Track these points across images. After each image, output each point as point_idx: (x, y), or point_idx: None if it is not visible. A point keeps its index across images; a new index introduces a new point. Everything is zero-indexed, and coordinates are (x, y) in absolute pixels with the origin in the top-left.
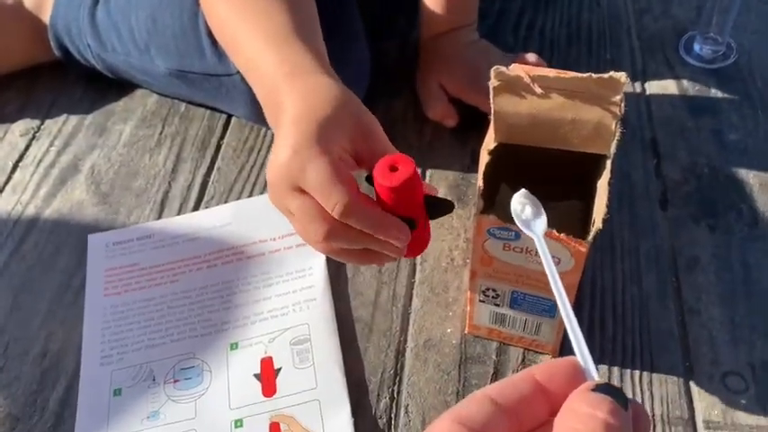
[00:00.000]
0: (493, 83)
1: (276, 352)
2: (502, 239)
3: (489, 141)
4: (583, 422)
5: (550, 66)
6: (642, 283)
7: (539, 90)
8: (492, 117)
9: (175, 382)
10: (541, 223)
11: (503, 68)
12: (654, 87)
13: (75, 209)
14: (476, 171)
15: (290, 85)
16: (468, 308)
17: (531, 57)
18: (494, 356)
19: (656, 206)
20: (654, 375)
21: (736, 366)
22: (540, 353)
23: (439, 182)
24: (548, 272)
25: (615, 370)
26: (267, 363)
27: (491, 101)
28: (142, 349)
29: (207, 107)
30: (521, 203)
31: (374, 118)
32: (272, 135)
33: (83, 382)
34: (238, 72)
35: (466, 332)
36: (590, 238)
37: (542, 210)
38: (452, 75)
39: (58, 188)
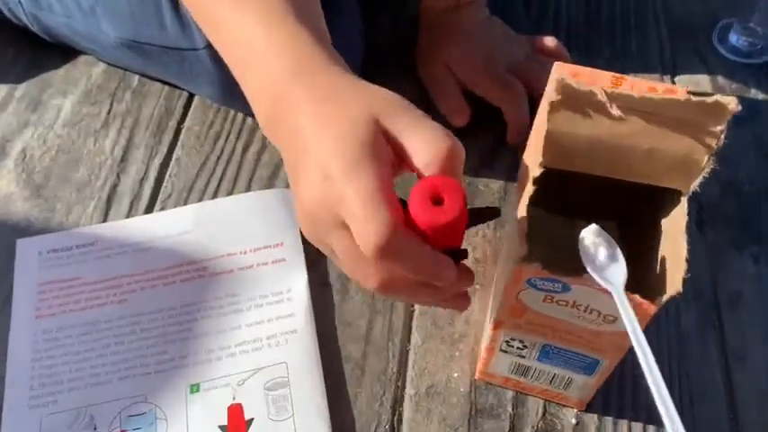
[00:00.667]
0: (552, 96)
1: (247, 398)
2: (544, 291)
3: (533, 165)
4: None
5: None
6: (680, 324)
7: (617, 113)
8: (542, 137)
9: None
10: (619, 270)
11: (569, 80)
12: (685, 83)
13: (0, 203)
14: (484, 175)
15: (301, 88)
16: (484, 355)
17: (551, 41)
18: (510, 408)
19: (693, 227)
20: (696, 430)
21: None
22: (564, 406)
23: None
24: (631, 335)
25: (651, 428)
26: (236, 411)
27: (544, 118)
28: (81, 389)
29: (165, 82)
30: (593, 244)
31: (406, 106)
32: (242, 118)
33: (6, 430)
34: (206, 46)
35: (476, 378)
36: (664, 299)
37: (619, 251)
38: (462, 59)
39: None
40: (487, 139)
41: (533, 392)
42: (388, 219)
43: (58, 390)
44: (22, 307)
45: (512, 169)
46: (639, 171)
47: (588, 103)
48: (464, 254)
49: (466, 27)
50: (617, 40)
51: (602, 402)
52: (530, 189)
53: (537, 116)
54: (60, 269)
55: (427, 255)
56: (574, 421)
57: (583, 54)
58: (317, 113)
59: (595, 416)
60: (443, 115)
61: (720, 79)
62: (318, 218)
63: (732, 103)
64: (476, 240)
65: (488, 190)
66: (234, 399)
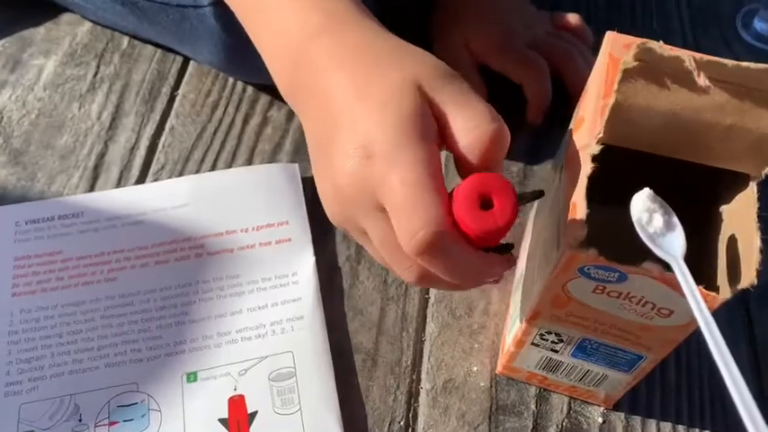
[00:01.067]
0: (627, 62)
1: (250, 389)
2: (597, 280)
3: (590, 141)
4: None
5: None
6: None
7: (704, 83)
8: (606, 109)
9: (112, 424)
10: (677, 240)
11: (652, 43)
12: None
13: None
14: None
15: (327, 44)
16: (511, 349)
17: (574, 17)
18: (533, 406)
19: None
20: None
21: None
22: (590, 403)
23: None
24: (697, 313)
25: (681, 428)
26: (237, 403)
27: (615, 87)
28: (64, 375)
29: (158, 45)
30: (648, 210)
31: (452, 75)
32: (243, 87)
33: None
34: (211, 3)
35: (497, 372)
36: (730, 294)
37: (676, 219)
38: (480, 32)
39: None
40: (506, 117)
41: (558, 389)
42: (433, 216)
43: (38, 376)
44: None
45: (531, 151)
46: (713, 152)
47: (670, 71)
48: (510, 247)
49: (485, 1)
50: (638, 22)
51: (630, 401)
52: (587, 168)
53: (589, 84)
54: (40, 242)
55: (473, 258)
56: (600, 420)
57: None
58: (349, 79)
59: (622, 414)
60: None
61: None
62: (354, 199)
63: None
64: None
65: (507, 173)
66: (235, 390)
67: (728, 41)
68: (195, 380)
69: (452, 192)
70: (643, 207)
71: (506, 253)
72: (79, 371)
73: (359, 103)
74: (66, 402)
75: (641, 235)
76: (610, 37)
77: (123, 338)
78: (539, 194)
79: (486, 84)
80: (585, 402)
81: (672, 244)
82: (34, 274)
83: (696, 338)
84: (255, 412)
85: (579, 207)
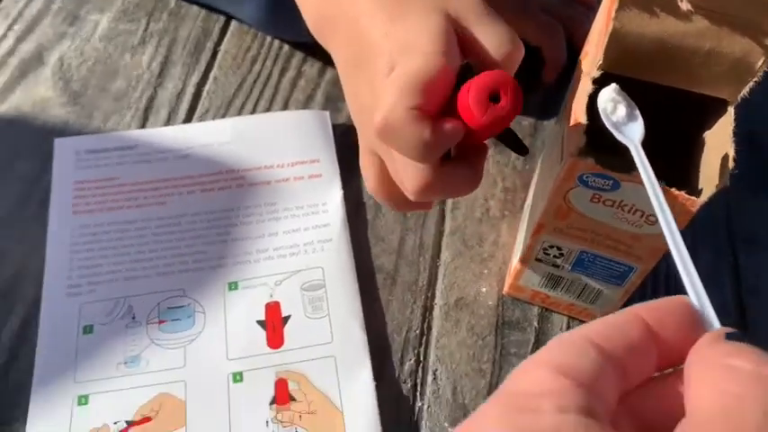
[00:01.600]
0: None
1: (284, 297)
2: (594, 189)
3: (591, 68)
4: (748, 384)
5: None
6: (697, 257)
7: (686, 7)
8: (605, 36)
9: (161, 323)
10: (637, 128)
11: None
12: None
13: (38, 107)
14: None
15: None
16: (517, 266)
17: None
18: (535, 323)
19: None
20: None
21: None
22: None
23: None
24: (650, 191)
25: None
26: (273, 308)
27: (611, 16)
28: (119, 281)
29: (203, 5)
30: (612, 101)
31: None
32: (279, 45)
33: (45, 316)
34: None
35: (504, 293)
36: (707, 196)
37: (637, 111)
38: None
39: (18, 81)
40: (519, 77)
41: (559, 308)
42: (389, 104)
43: (96, 281)
44: (59, 203)
45: (542, 108)
46: (696, 77)
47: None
48: (512, 134)
49: None
50: None
51: None
52: (589, 88)
53: (595, 22)
54: (98, 169)
55: (426, 142)
56: None
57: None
58: (379, 4)
59: None
60: None
61: None
62: (362, 118)
63: None
64: (506, 171)
65: (519, 126)
66: (271, 297)
67: None
68: (236, 288)
69: (467, 83)
70: (608, 98)
71: (514, 143)
72: (132, 278)
73: (389, 26)
74: (121, 303)
75: (605, 122)
76: None
77: (172, 252)
78: (524, 151)
79: None
80: (583, 321)
81: (633, 131)
82: (92, 196)
83: None
84: (289, 316)
85: (580, 119)
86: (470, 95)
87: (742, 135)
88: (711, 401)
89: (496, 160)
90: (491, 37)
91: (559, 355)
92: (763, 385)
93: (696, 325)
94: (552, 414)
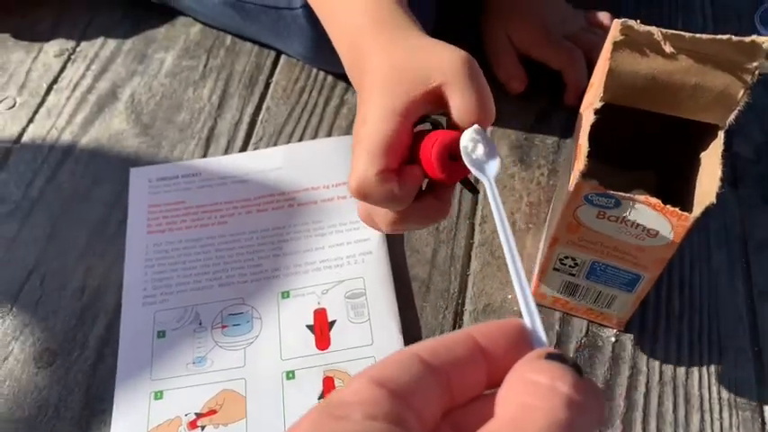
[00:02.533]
0: (615, 37)
1: (330, 304)
2: (598, 206)
3: (594, 99)
4: (541, 397)
5: None
6: (711, 263)
7: (669, 49)
8: (604, 74)
9: (223, 327)
10: (494, 165)
11: (631, 22)
12: None
13: (114, 139)
14: (540, 131)
15: (373, 38)
16: (537, 274)
17: (605, 15)
18: (557, 326)
19: (727, 183)
20: (723, 357)
21: None
22: (605, 326)
23: (500, 141)
24: (497, 221)
25: (681, 349)
26: (321, 314)
27: (607, 56)
28: (187, 291)
29: (255, 42)
30: (472, 141)
31: (470, 66)
32: (324, 76)
33: (125, 322)
34: (302, 6)
35: None
36: (698, 212)
37: (496, 151)
38: (521, 27)
39: (96, 115)
40: (543, 100)
41: (578, 313)
42: (361, 171)
43: (167, 291)
44: (135, 224)
45: (565, 128)
46: (686, 105)
47: (646, 41)
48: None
49: (527, 0)
50: (665, 18)
51: (639, 325)
52: (591, 118)
53: (599, 59)
54: (167, 194)
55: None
56: (613, 339)
57: None
58: (382, 63)
59: (632, 335)
60: (502, 82)
61: None
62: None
63: (766, 42)
64: (531, 186)
65: (543, 144)
66: (319, 304)
67: (746, 35)
68: (288, 296)
69: (432, 136)
70: (469, 138)
71: (467, 185)
72: (198, 288)
73: (381, 83)
74: (189, 311)
75: (465, 159)
76: (616, 23)
77: (232, 266)
78: (474, 191)
79: (526, 71)
80: (601, 325)
81: (490, 168)
82: (164, 218)
83: (699, 273)
84: (334, 321)
85: (583, 147)
86: (432, 152)
87: (756, 145)
88: (507, 412)
89: (522, 177)
90: (465, 102)
91: (382, 367)
92: (555, 399)
93: (526, 345)
94: (359, 421)
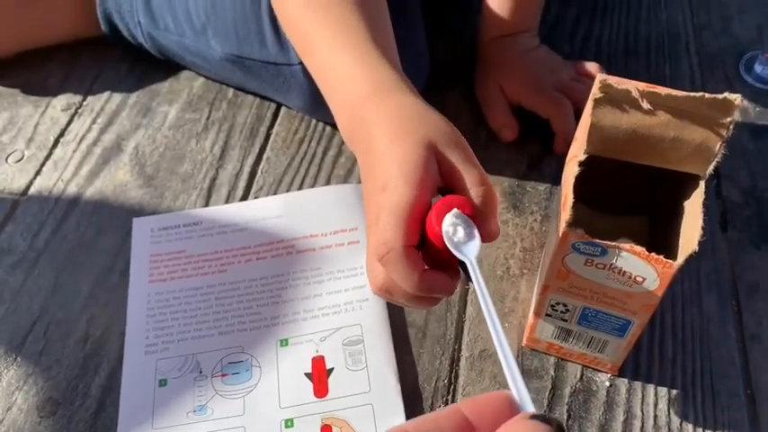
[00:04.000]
0: (595, 94)
1: (328, 351)
2: (585, 255)
3: (579, 152)
4: None
5: None
6: (702, 306)
7: (647, 106)
8: (587, 128)
9: (223, 376)
10: (474, 246)
11: (610, 80)
12: None
13: (118, 190)
14: (533, 178)
15: (374, 106)
16: (531, 320)
17: (593, 66)
18: (552, 371)
19: (716, 227)
20: (716, 400)
21: None
22: (600, 370)
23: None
24: (481, 300)
25: (675, 392)
26: (319, 362)
27: (589, 112)
28: (188, 340)
29: (256, 95)
30: (453, 225)
31: (457, 140)
32: (323, 127)
33: (126, 371)
34: (300, 63)
35: (523, 345)
36: (682, 260)
37: (476, 232)
38: (513, 79)
39: (101, 167)
40: (535, 148)
41: (572, 358)
42: (390, 238)
43: (168, 340)
44: (137, 273)
45: (556, 174)
46: (666, 157)
47: (624, 99)
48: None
49: (518, 53)
50: (652, 67)
51: (633, 369)
52: (575, 170)
53: (583, 113)
54: (169, 244)
55: (419, 273)
56: (608, 384)
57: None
58: (386, 130)
59: (626, 380)
60: (494, 131)
61: (745, 102)
62: (369, 217)
63: (737, 99)
64: (524, 232)
65: (536, 191)
66: (317, 351)
67: (732, 83)
68: (287, 344)
69: (437, 208)
70: (450, 222)
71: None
72: (199, 337)
73: (389, 148)
74: (190, 359)
75: (447, 243)
76: (599, 77)
77: (231, 314)
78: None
79: (518, 120)
80: (596, 370)
81: (470, 249)
82: (165, 267)
83: (691, 317)
84: (332, 368)
85: (568, 198)
86: (431, 217)
87: (744, 190)
88: None
89: (515, 223)
90: (471, 179)
91: None
92: None
93: (513, 413)
94: None
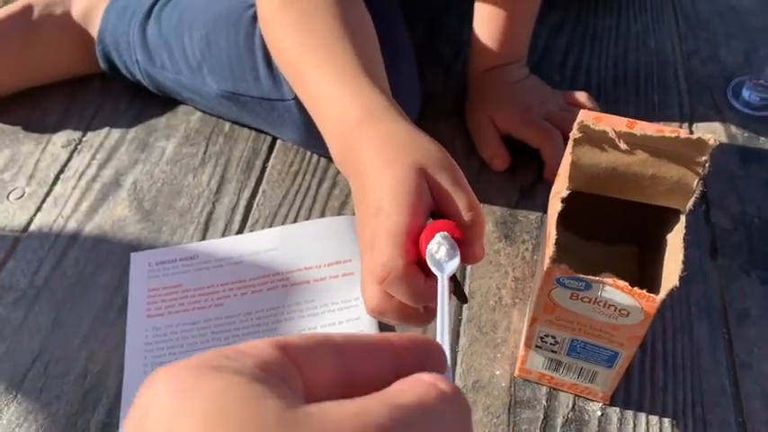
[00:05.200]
0: (574, 134)
1: None
2: (570, 289)
3: (561, 188)
4: (419, 384)
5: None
6: (693, 334)
7: (624, 146)
8: (568, 166)
9: None
10: (453, 265)
11: (588, 122)
12: (702, 132)
13: (117, 225)
14: (524, 207)
15: (365, 132)
16: (522, 352)
17: (582, 95)
18: (544, 402)
19: (706, 254)
20: (707, 429)
21: None
22: (591, 400)
23: (485, 217)
24: (439, 313)
25: (666, 421)
26: None
27: (569, 151)
28: None
29: (252, 128)
30: (437, 244)
31: (449, 165)
32: (317, 159)
33: (125, 406)
34: (293, 98)
35: (515, 375)
36: (664, 295)
37: (458, 253)
38: (503, 109)
39: (100, 203)
40: (527, 177)
41: (564, 388)
42: (388, 259)
43: None
44: (135, 308)
45: (546, 203)
46: (646, 193)
47: (602, 138)
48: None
49: (508, 84)
50: (641, 95)
51: (624, 398)
52: (558, 206)
53: (566, 151)
54: (166, 278)
55: (419, 289)
56: (599, 413)
57: (611, 107)
58: (378, 155)
59: (617, 408)
60: (486, 161)
61: (733, 128)
62: (363, 241)
63: (711, 139)
64: (516, 262)
65: (527, 220)
66: None
67: (720, 109)
68: None
69: (427, 231)
70: (436, 241)
71: (457, 291)
72: None
73: (381, 173)
74: None
75: (428, 259)
76: (582, 113)
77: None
78: (463, 299)
79: (509, 150)
80: (587, 399)
81: (449, 266)
82: (162, 301)
83: (681, 345)
84: None
85: (552, 235)
86: (421, 240)
87: (733, 216)
88: (384, 391)
89: (507, 252)
90: (462, 203)
91: (290, 337)
92: (431, 388)
93: (434, 358)
94: (250, 368)
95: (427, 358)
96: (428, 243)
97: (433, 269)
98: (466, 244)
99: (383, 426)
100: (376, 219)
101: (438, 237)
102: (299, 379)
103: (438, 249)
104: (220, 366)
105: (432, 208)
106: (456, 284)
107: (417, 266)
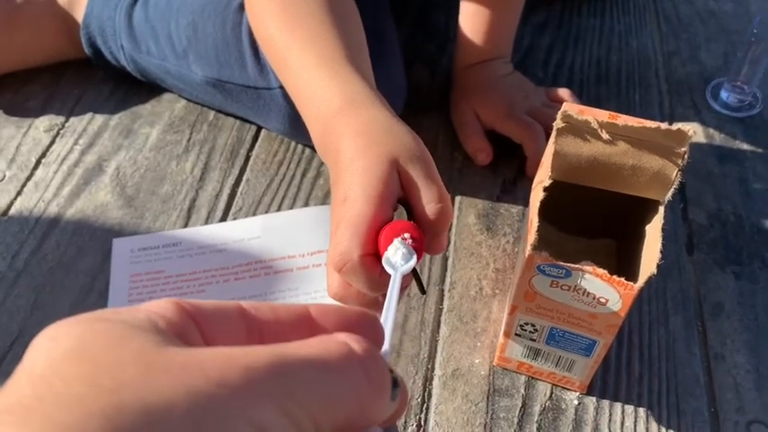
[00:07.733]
0: (558, 124)
1: None
2: (551, 276)
3: (544, 178)
4: (327, 341)
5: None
6: (669, 326)
7: (606, 136)
8: (551, 156)
9: None
10: (407, 266)
11: (571, 111)
12: None
13: (98, 210)
14: (506, 201)
15: (345, 119)
16: (501, 340)
17: (565, 92)
18: (522, 390)
19: (683, 249)
20: (681, 419)
21: (762, 415)
22: (569, 389)
23: (467, 209)
24: (386, 304)
25: (641, 411)
26: None
27: (553, 141)
28: None
29: (237, 117)
30: (394, 247)
31: (420, 156)
32: (302, 149)
33: None
34: (279, 87)
35: (495, 364)
36: (642, 282)
37: (414, 257)
38: (487, 105)
39: (82, 188)
40: (509, 171)
41: (542, 377)
42: (346, 249)
43: None
44: (116, 293)
45: (529, 197)
46: (626, 183)
47: (585, 129)
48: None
49: (492, 79)
50: (623, 93)
51: (601, 387)
52: (540, 195)
53: (549, 141)
54: (148, 264)
55: (375, 282)
56: (576, 402)
57: (593, 105)
58: (353, 144)
59: (594, 398)
60: (469, 154)
61: (711, 129)
62: (331, 228)
63: (690, 131)
64: (497, 253)
65: (509, 213)
66: None
67: (699, 109)
68: None
69: (392, 225)
70: (394, 246)
71: (418, 282)
72: None
73: (354, 162)
74: None
75: (384, 263)
76: (565, 105)
77: None
78: (422, 291)
79: (491, 144)
80: (564, 388)
81: (402, 268)
82: (144, 287)
83: (657, 337)
84: None
85: (534, 222)
86: (380, 238)
87: (710, 212)
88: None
89: (488, 244)
90: (428, 196)
91: (198, 301)
92: (340, 346)
93: (370, 327)
94: (142, 320)
95: (358, 328)
96: (387, 245)
97: (388, 269)
98: (431, 236)
99: (255, 369)
100: (342, 207)
101: (396, 242)
102: (199, 338)
103: (395, 253)
104: (107, 319)
105: (400, 197)
106: (416, 277)
107: (375, 257)
